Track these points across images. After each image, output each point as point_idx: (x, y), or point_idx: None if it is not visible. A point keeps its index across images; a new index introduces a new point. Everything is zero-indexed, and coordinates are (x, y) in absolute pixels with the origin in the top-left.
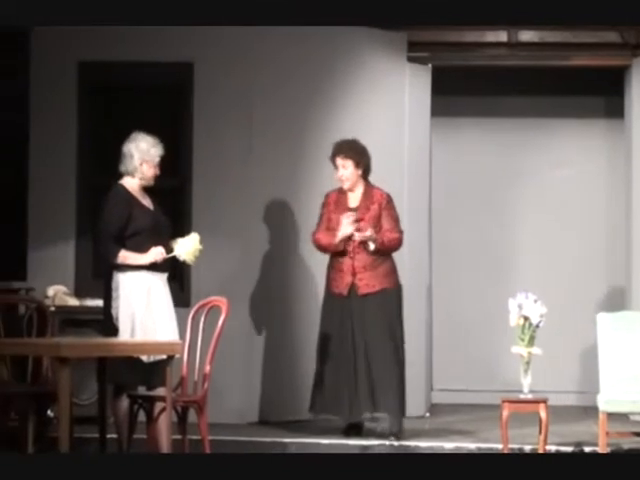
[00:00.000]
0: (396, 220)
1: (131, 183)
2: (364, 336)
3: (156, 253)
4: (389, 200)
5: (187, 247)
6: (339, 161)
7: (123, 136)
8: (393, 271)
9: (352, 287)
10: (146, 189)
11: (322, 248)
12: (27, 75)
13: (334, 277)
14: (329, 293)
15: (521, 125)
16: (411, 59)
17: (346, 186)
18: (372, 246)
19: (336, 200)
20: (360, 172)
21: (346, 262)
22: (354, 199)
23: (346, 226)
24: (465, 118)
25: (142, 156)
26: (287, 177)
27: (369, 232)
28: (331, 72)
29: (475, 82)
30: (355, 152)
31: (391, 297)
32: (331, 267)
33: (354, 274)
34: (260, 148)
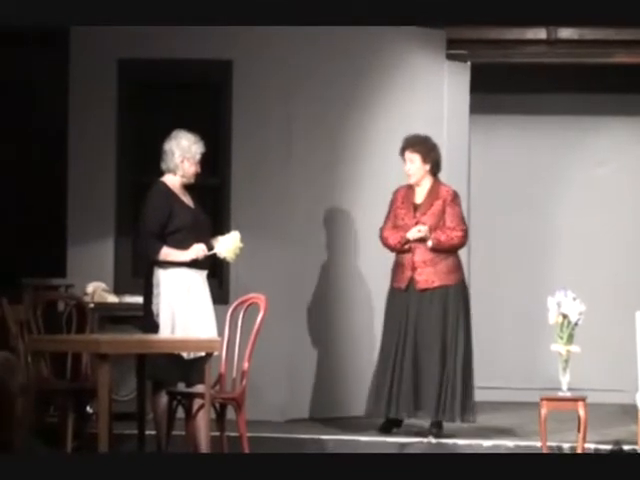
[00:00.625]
0: (459, 217)
1: (172, 181)
2: (416, 332)
3: (197, 250)
4: (454, 197)
5: (228, 245)
6: (407, 155)
7: (162, 134)
8: (456, 268)
9: (411, 282)
10: (187, 187)
11: (389, 247)
12: (66, 73)
13: (396, 272)
14: (392, 288)
15: (560, 123)
16: (450, 57)
17: (412, 180)
18: (430, 243)
19: (404, 195)
20: (428, 168)
21: (407, 257)
22: (420, 194)
23: (414, 232)
24: (504, 116)
25: (183, 154)
26: (326, 176)
27: (423, 230)
28: (370, 70)
29: (514, 79)
30: (424, 147)
31: (452, 294)
32: (395, 262)
33: (414, 269)
34: (299, 147)
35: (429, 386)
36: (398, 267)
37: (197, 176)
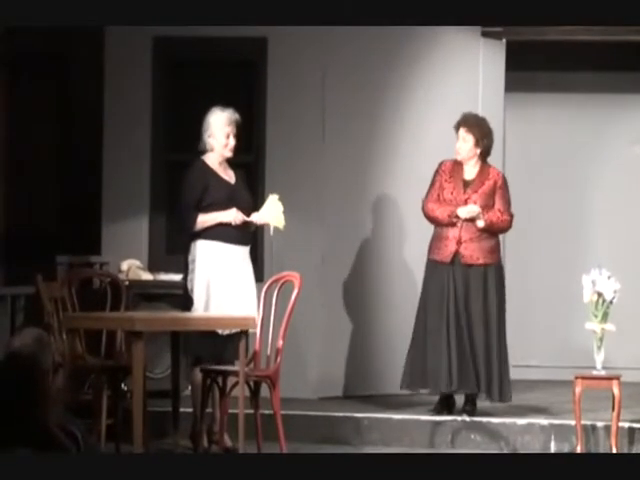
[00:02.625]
0: (509, 202)
1: (211, 158)
2: (458, 306)
3: (236, 213)
4: (505, 181)
5: (268, 210)
6: (462, 133)
7: (197, 112)
8: (497, 248)
9: (456, 255)
10: (230, 164)
11: (433, 220)
12: (101, 52)
13: (438, 245)
14: (431, 261)
15: (596, 100)
16: (485, 34)
17: (459, 157)
18: (481, 223)
19: (451, 169)
20: (479, 151)
21: (452, 231)
22: (470, 172)
23: (466, 211)
24: (539, 93)
25: (210, 129)
26: (361, 153)
27: (476, 211)
28: (404, 49)
29: (550, 57)
30: (479, 130)
31: (493, 274)
32: (436, 235)
33: (459, 243)
34: (333, 124)
35: (469, 363)
36: (441, 241)
37: (235, 150)
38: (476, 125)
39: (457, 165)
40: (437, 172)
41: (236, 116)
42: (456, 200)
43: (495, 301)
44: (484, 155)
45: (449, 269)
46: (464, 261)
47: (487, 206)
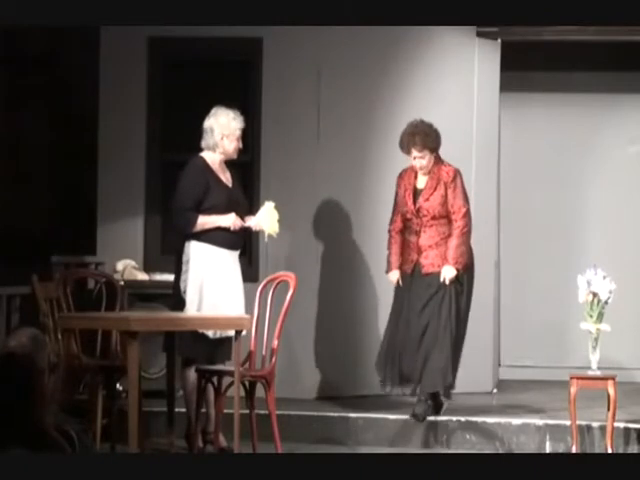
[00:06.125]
0: (462, 196)
1: (212, 157)
2: (417, 315)
3: (235, 218)
4: (456, 175)
5: (264, 217)
6: (415, 153)
7: (192, 112)
8: (461, 253)
9: (416, 266)
10: (227, 165)
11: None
12: (97, 53)
13: (404, 255)
14: (401, 272)
15: (592, 100)
16: (480, 34)
17: (423, 173)
18: (453, 270)
19: (407, 179)
20: (434, 154)
21: (412, 240)
22: (422, 179)
23: (448, 278)
24: (534, 93)
25: (222, 130)
26: (356, 152)
27: (453, 272)
28: (399, 49)
29: (545, 57)
30: (431, 140)
31: (458, 278)
32: (404, 246)
33: (419, 252)
34: (328, 124)
35: (415, 360)
36: (404, 249)
37: (239, 152)
38: (425, 135)
39: (412, 172)
40: (396, 184)
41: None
42: (409, 211)
43: (450, 305)
44: (435, 153)
45: (409, 279)
46: (424, 271)
47: (441, 210)
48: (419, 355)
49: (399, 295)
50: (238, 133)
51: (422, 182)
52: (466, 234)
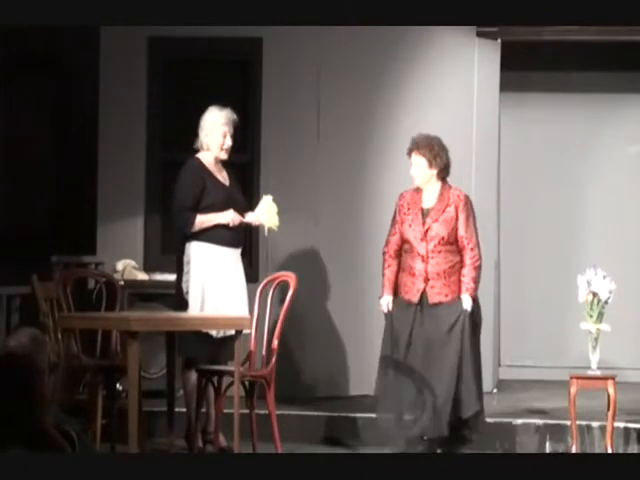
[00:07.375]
0: (473, 227)
1: (207, 157)
2: (425, 347)
3: (234, 214)
4: (467, 202)
5: (262, 211)
6: (413, 157)
7: (192, 111)
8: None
9: (423, 295)
10: (224, 164)
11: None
12: (97, 51)
13: (405, 282)
14: (399, 298)
15: (591, 100)
16: (480, 34)
17: (416, 183)
18: (469, 299)
19: (410, 199)
20: (434, 172)
21: (418, 266)
22: (429, 199)
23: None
24: (534, 93)
25: (206, 128)
26: (355, 154)
27: (468, 303)
28: (399, 49)
29: (545, 57)
30: (430, 150)
31: (465, 309)
32: (402, 270)
33: (426, 280)
34: (328, 124)
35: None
36: (407, 277)
37: (229, 151)
38: (426, 146)
39: (416, 193)
40: (396, 205)
41: (234, 116)
42: (415, 232)
43: (459, 338)
44: (442, 176)
45: (416, 310)
46: (431, 301)
47: (450, 234)
48: (441, 390)
49: (398, 325)
50: (223, 129)
51: (430, 201)
52: (479, 267)
